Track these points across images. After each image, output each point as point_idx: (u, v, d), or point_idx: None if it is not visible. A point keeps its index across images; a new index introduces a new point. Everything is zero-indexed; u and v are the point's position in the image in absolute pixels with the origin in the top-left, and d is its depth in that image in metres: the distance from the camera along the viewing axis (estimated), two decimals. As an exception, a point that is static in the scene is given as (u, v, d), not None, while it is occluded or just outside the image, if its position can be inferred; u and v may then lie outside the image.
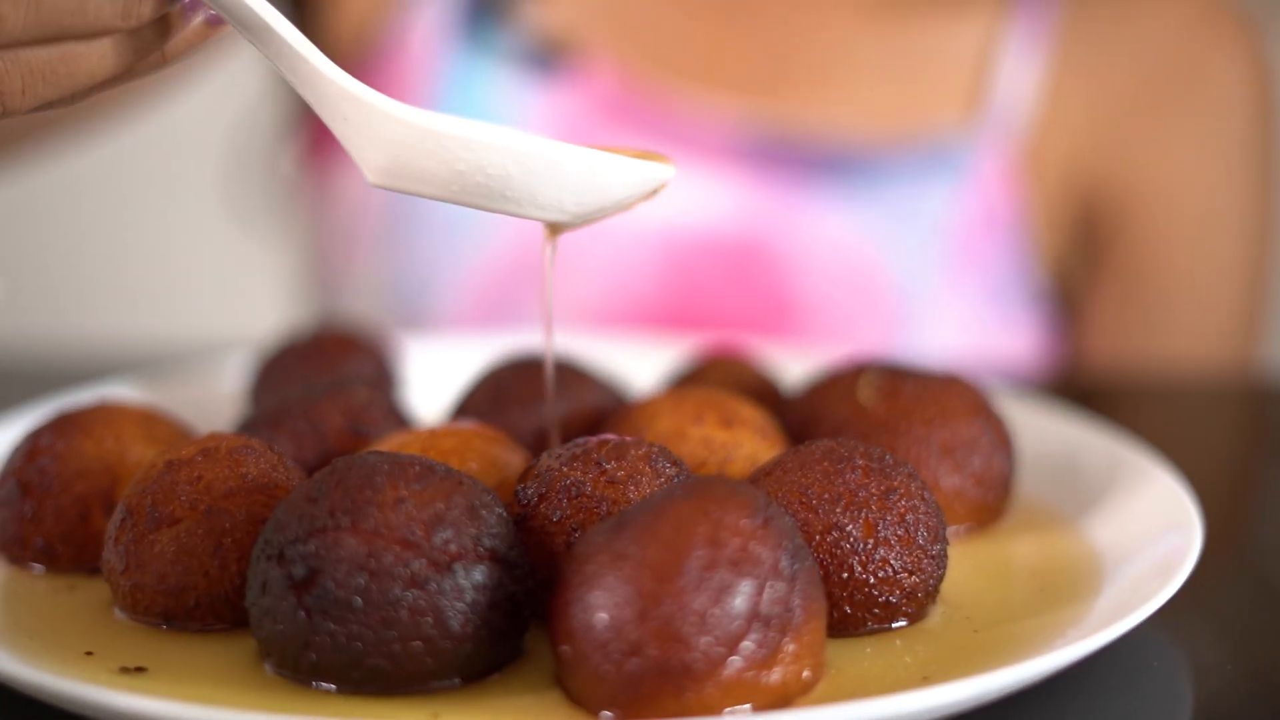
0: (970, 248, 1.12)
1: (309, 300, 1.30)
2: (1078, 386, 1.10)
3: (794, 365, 0.79)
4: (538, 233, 1.12)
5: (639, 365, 0.82)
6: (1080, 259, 1.16)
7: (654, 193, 0.60)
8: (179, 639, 0.57)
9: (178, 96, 1.24)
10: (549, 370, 0.64)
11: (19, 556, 0.63)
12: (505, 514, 0.55)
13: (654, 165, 0.59)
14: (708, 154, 1.13)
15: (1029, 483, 0.71)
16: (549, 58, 1.15)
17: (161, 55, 0.57)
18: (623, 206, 0.60)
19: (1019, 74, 1.13)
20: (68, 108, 0.58)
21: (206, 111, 1.30)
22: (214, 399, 0.79)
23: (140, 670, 0.54)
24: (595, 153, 0.57)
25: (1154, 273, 1.14)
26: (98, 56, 0.55)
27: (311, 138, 1.24)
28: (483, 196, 0.57)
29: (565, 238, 1.10)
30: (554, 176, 0.57)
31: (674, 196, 1.14)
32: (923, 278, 1.12)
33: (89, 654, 0.56)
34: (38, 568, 0.63)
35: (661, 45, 1.16)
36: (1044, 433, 0.74)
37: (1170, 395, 1.07)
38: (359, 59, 1.19)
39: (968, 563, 0.63)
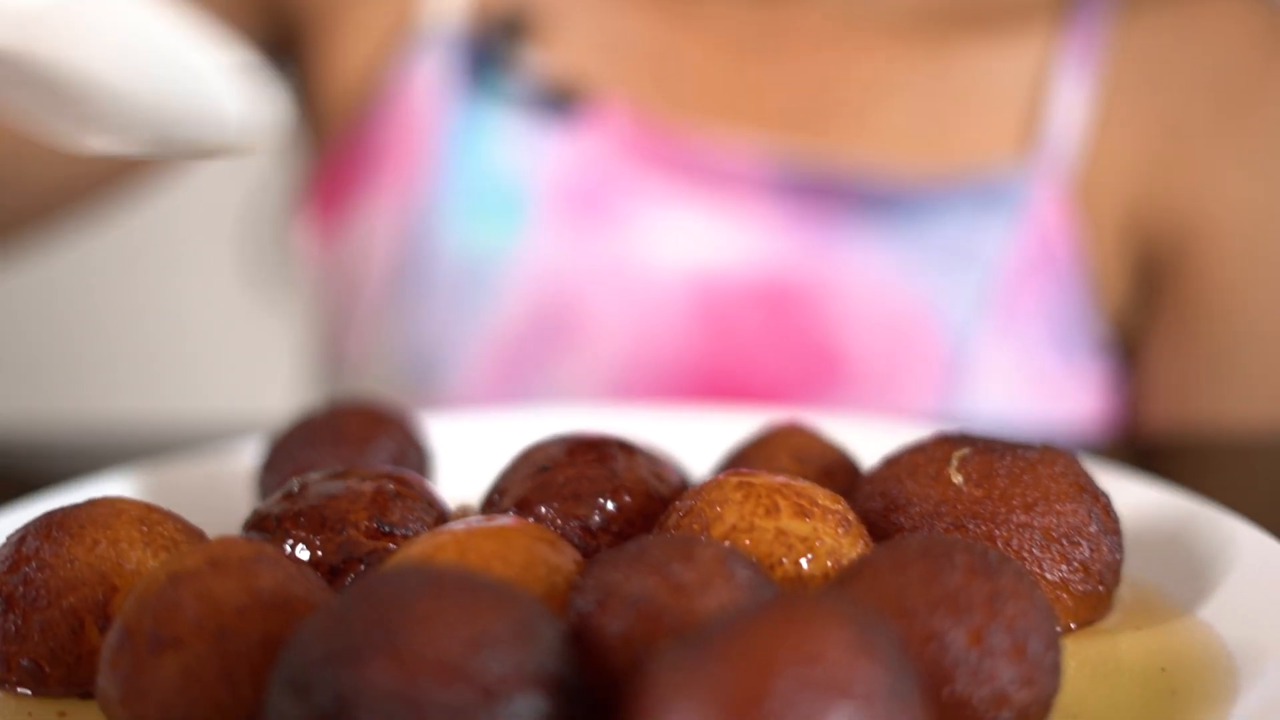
0: (1027, 292, 1.04)
1: (316, 378, 1.23)
2: (1141, 447, 1.01)
3: (863, 434, 0.72)
4: (555, 289, 1.06)
5: (686, 438, 0.74)
6: (1142, 304, 1.08)
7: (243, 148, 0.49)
8: (185, 776, 0.50)
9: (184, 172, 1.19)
10: None
11: (3, 679, 0.55)
12: (562, 631, 0.48)
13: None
14: (738, 192, 1.05)
15: (1133, 564, 0.63)
16: (560, 102, 1.08)
17: None
18: (201, 147, 0.47)
19: (1074, 101, 1.05)
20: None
21: (216, 182, 1.24)
22: (224, 492, 0.71)
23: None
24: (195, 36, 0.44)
25: (1219, 319, 1.05)
26: None
27: (316, 200, 1.17)
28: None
29: (584, 290, 1.04)
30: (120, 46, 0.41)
31: (703, 239, 1.07)
32: (976, 325, 1.03)
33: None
34: (24, 691, 0.55)
35: (681, 84, 1.09)
36: (1144, 505, 0.67)
37: (1243, 456, 0.99)
38: (359, 112, 1.12)
39: (1077, 662, 0.56)
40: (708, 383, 1.04)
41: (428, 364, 1.07)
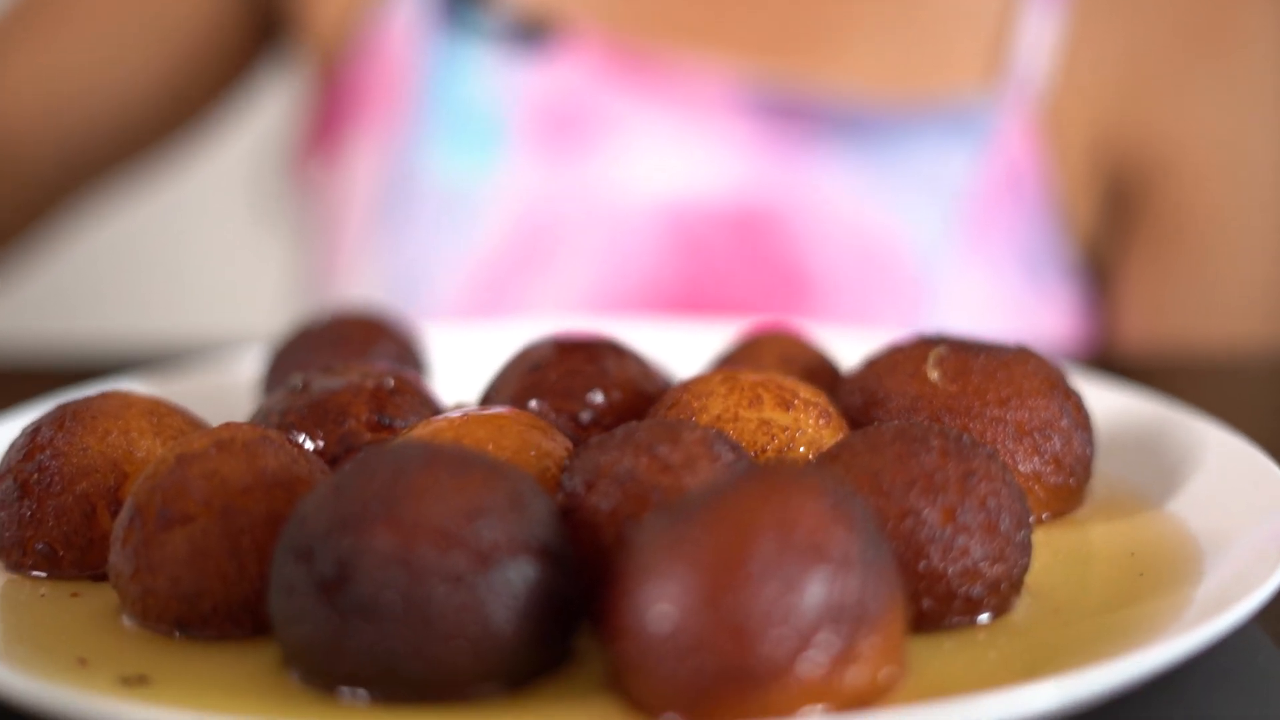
0: (995, 217, 1.06)
1: (306, 298, 1.26)
2: (1115, 365, 1.04)
3: (842, 343, 0.74)
4: (533, 215, 1.09)
5: (672, 349, 0.76)
6: (1112, 228, 1.10)
7: None
8: (191, 647, 0.52)
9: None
10: None
11: (19, 562, 0.58)
12: (552, 505, 0.50)
13: None
14: (710, 116, 1.07)
15: (1107, 464, 0.66)
16: (533, 33, 1.10)
17: None
18: None
19: (1043, 29, 1.07)
20: None
21: (220, 120, 1.28)
22: (229, 393, 0.74)
23: (142, 680, 0.49)
24: None
25: (1191, 240, 1.08)
26: None
27: (311, 129, 1.20)
28: None
29: (561, 215, 1.07)
30: None
31: (677, 163, 1.09)
32: (944, 250, 1.05)
33: (83, 662, 0.51)
34: (39, 574, 0.58)
35: (654, 12, 1.11)
36: (1117, 409, 0.69)
37: (1218, 373, 1.01)
38: (340, 55, 1.15)
39: (1050, 551, 0.58)
40: (680, 305, 1.06)
41: (409, 288, 1.10)
